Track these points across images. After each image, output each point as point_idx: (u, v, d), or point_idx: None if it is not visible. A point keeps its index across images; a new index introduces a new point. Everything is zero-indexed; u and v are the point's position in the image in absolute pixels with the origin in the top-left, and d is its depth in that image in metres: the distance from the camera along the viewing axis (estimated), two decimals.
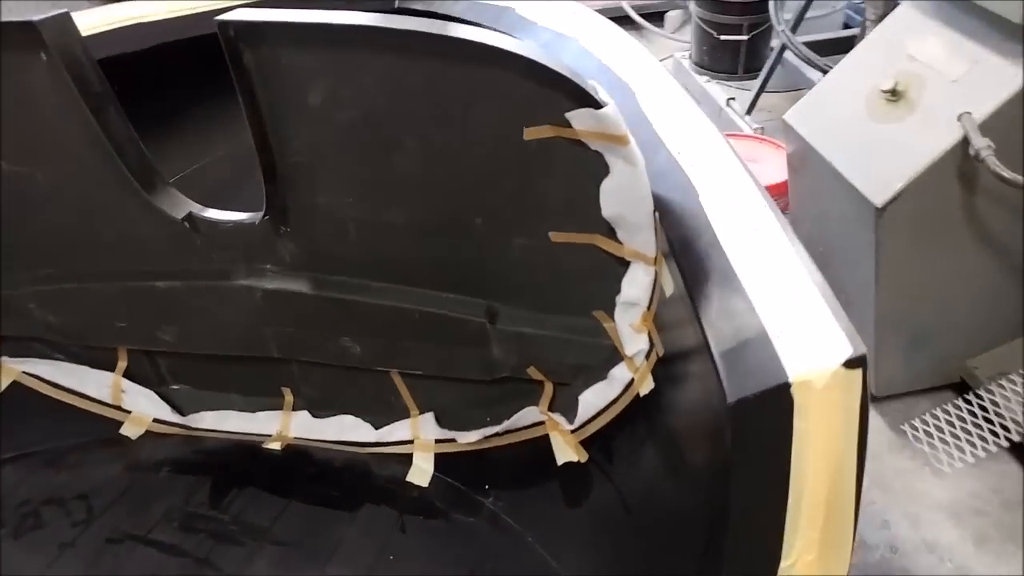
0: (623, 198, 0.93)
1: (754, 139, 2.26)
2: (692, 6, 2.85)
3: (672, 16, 3.57)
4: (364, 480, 1.29)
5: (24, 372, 1.40)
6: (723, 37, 2.72)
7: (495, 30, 1.02)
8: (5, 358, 1.39)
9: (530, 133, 0.93)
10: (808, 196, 1.69)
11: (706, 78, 2.81)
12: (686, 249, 0.84)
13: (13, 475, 1.28)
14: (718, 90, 2.70)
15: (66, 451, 1.34)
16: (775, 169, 1.95)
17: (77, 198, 1.15)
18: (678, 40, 3.32)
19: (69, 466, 1.31)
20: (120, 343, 1.36)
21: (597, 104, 0.85)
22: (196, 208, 1.16)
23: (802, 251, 0.77)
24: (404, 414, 1.36)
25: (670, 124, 1.02)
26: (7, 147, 1.09)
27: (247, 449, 1.35)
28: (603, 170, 0.92)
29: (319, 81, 0.95)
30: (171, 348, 1.33)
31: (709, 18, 2.74)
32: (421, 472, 1.29)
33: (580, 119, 0.87)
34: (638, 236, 0.97)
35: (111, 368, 1.40)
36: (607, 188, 0.93)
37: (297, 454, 1.34)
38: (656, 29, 3.37)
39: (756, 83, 2.57)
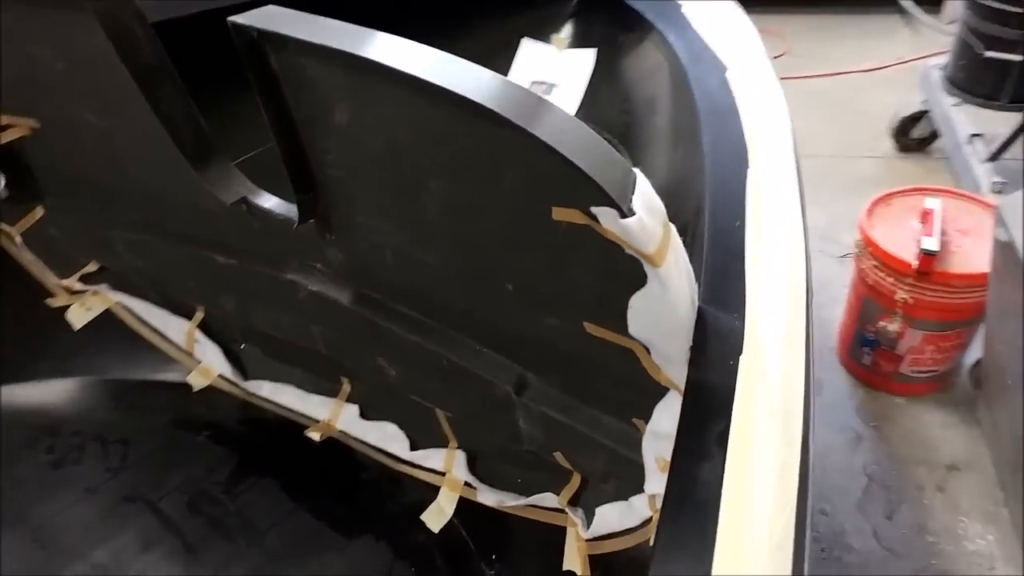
0: (652, 321, 0.73)
1: (975, 202, 1.72)
2: (960, 6, 2.33)
3: (952, 5, 2.99)
4: (379, 506, 1.22)
5: (118, 303, 1.46)
6: (989, 53, 2.19)
7: None
8: (104, 286, 1.45)
9: (558, 214, 0.74)
10: (1008, 311, 1.31)
11: (955, 100, 2.30)
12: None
13: (78, 399, 1.35)
14: (965, 119, 2.21)
15: (130, 387, 1.39)
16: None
17: (148, 160, 1.14)
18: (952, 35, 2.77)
19: (127, 405, 1.36)
20: (191, 300, 1.37)
21: (621, 211, 0.65)
22: (252, 193, 1.09)
23: None
24: (443, 443, 1.26)
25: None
26: (88, 98, 1.09)
27: (286, 438, 1.33)
28: (638, 279, 0.72)
29: (343, 100, 0.83)
30: (232, 318, 1.32)
31: (976, 26, 2.22)
32: (439, 514, 1.19)
33: (607, 218, 0.68)
34: (670, 367, 0.76)
35: (189, 317, 1.42)
36: (636, 304, 0.73)
37: (327, 457, 1.29)
38: (927, 18, 2.83)
39: (1018, 121, 2.06)
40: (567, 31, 1.75)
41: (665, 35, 1.34)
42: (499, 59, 1.75)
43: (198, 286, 1.30)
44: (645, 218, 0.64)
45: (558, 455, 1.03)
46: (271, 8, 0.82)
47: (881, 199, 1.70)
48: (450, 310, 1.02)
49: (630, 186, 0.65)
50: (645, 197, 0.66)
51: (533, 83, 1.72)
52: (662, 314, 0.71)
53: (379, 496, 1.23)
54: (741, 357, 0.70)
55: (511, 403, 1.01)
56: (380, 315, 1.09)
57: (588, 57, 1.69)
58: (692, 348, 0.74)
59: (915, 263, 1.47)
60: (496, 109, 0.66)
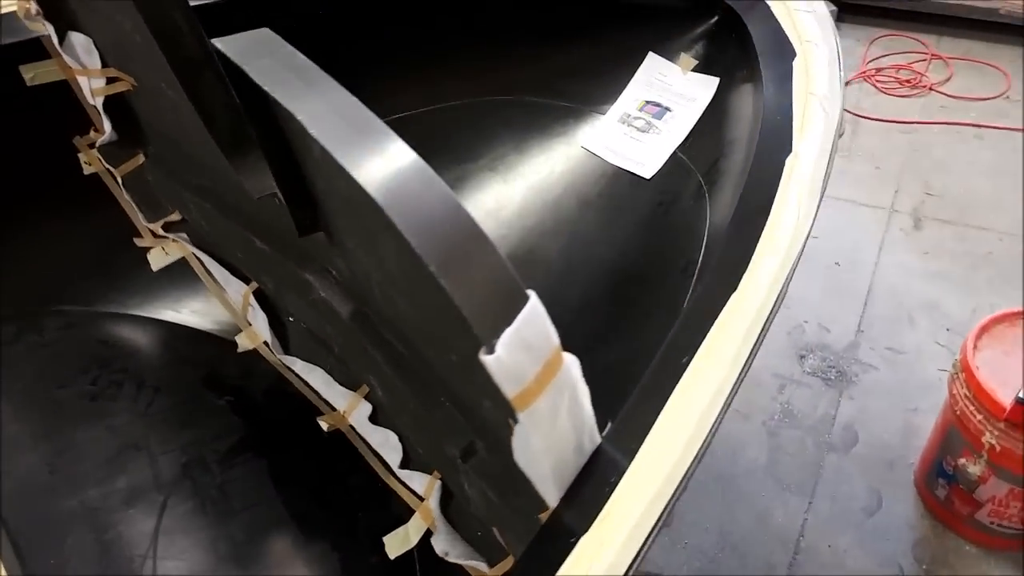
0: (526, 458, 0.65)
1: None
2: None
3: None
4: (351, 516, 1.23)
5: (193, 253, 1.54)
6: None
7: None
8: (184, 236, 1.54)
9: None
10: None
11: None
12: None
13: (134, 336, 1.46)
14: None
15: (182, 335, 1.47)
16: None
17: (202, 137, 1.17)
18: None
19: (172, 352, 1.45)
20: (242, 270, 1.42)
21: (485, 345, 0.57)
22: None
23: None
24: (429, 469, 1.24)
25: None
26: (158, 71, 1.13)
27: (299, 422, 1.36)
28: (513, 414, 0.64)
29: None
30: (272, 296, 1.36)
31: None
32: (402, 540, 1.17)
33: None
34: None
35: (246, 282, 1.48)
36: (515, 442, 0.65)
37: (326, 452, 1.31)
38: None
39: None
40: (697, 52, 1.60)
41: (764, 86, 1.20)
42: (620, 70, 1.65)
43: (244, 261, 1.34)
44: (509, 356, 0.57)
45: (495, 531, 0.97)
46: (260, 35, 0.79)
47: (1005, 316, 1.43)
48: (421, 355, 0.99)
49: (505, 317, 0.57)
50: (525, 332, 0.58)
51: (647, 103, 1.61)
52: (532, 457, 0.63)
53: (357, 506, 1.23)
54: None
55: (457, 466, 0.96)
56: (369, 338, 1.07)
57: (710, 85, 1.55)
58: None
59: (1007, 407, 1.22)
60: (382, 205, 0.60)
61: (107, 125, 1.37)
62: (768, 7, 1.41)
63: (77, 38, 1.27)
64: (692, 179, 1.48)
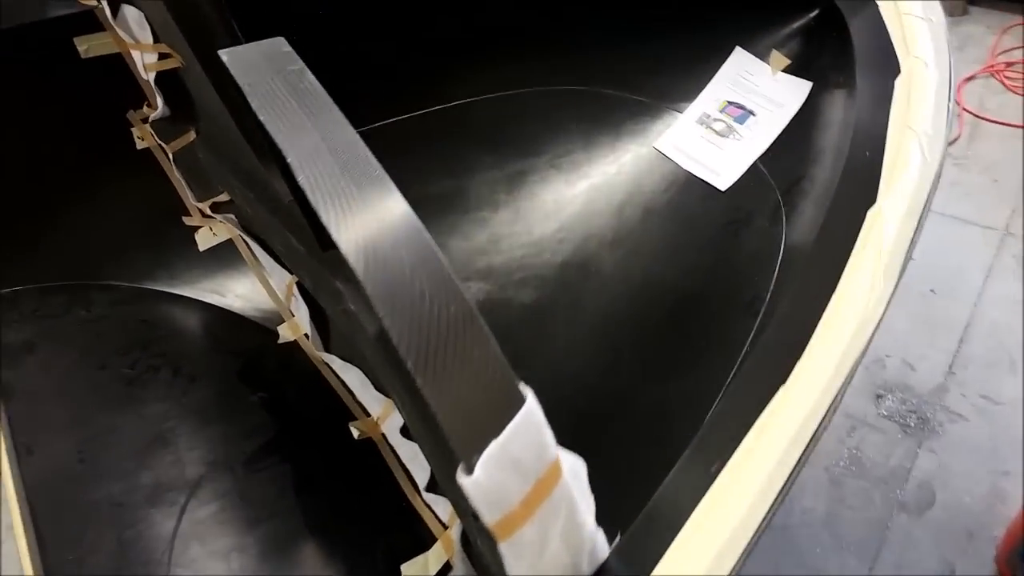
0: None
1: None
2: None
3: None
4: (370, 539, 1.18)
5: (239, 236, 1.51)
6: None
7: None
8: (232, 217, 1.51)
9: None
10: None
11: None
12: None
13: (176, 317, 1.44)
14: None
15: (223, 319, 1.45)
16: None
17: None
18: None
19: (210, 334, 1.42)
20: (284, 261, 1.38)
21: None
22: None
23: None
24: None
25: None
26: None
27: (330, 425, 1.31)
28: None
29: None
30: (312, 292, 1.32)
31: None
32: (420, 567, 1.12)
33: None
34: None
35: (290, 272, 1.44)
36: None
37: (353, 464, 1.26)
38: None
39: None
40: (790, 50, 1.45)
41: (857, 108, 1.04)
42: (703, 65, 1.51)
43: (285, 255, 1.30)
44: (490, 478, 0.48)
45: None
46: (270, 48, 0.72)
47: None
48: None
49: (493, 427, 0.49)
50: (514, 447, 0.49)
51: (729, 104, 1.47)
52: None
53: (379, 525, 1.19)
54: None
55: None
56: (391, 362, 1.01)
57: (801, 90, 1.40)
58: None
59: None
60: (360, 279, 0.52)
61: (159, 100, 1.34)
62: (877, 7, 1.24)
63: (130, 11, 1.23)
64: (770, 197, 1.33)
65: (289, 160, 0.60)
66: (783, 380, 0.70)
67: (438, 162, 1.59)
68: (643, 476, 0.74)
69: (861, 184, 0.90)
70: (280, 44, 0.74)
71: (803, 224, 1.24)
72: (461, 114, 1.57)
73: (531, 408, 0.51)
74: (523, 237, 1.53)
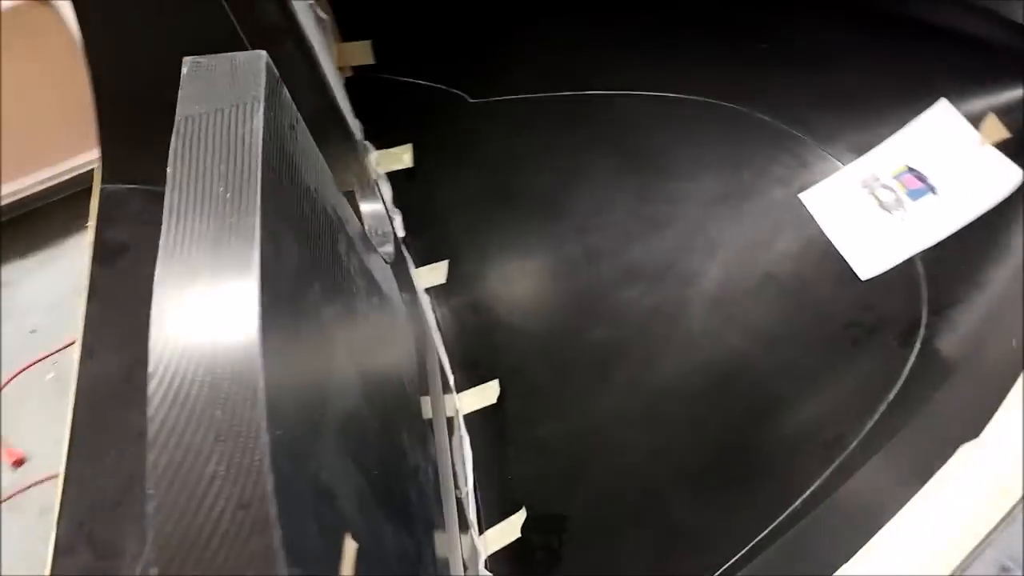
0: None
1: None
2: None
3: None
4: None
5: None
6: None
7: None
8: None
9: None
10: None
11: None
12: None
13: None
14: None
15: None
16: None
17: None
18: None
19: None
20: None
21: None
22: None
23: None
24: None
25: None
26: None
27: None
28: None
29: None
30: None
31: None
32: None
33: None
34: None
35: None
36: None
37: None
38: None
39: None
40: (1013, 121, 1.10)
41: None
42: (890, 109, 1.19)
43: None
44: None
45: None
46: (235, 65, 0.58)
47: None
48: None
49: None
50: None
51: (908, 171, 1.15)
52: None
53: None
54: None
55: None
56: None
57: (1009, 178, 1.06)
58: None
59: None
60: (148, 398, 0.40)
61: None
62: None
63: None
64: (913, 310, 1.03)
65: (163, 216, 0.48)
66: None
67: (552, 153, 1.41)
68: None
69: None
70: (254, 62, 0.61)
71: (939, 365, 0.95)
72: (591, 106, 1.36)
73: None
74: (620, 261, 1.33)
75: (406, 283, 1.17)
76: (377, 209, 0.96)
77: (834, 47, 1.20)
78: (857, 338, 1.07)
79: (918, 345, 0.99)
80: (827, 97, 1.22)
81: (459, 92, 1.41)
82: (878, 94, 1.19)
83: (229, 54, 0.60)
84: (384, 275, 0.82)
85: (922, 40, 1.12)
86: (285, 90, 0.64)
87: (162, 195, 0.49)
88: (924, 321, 1.01)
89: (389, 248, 0.93)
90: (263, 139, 0.52)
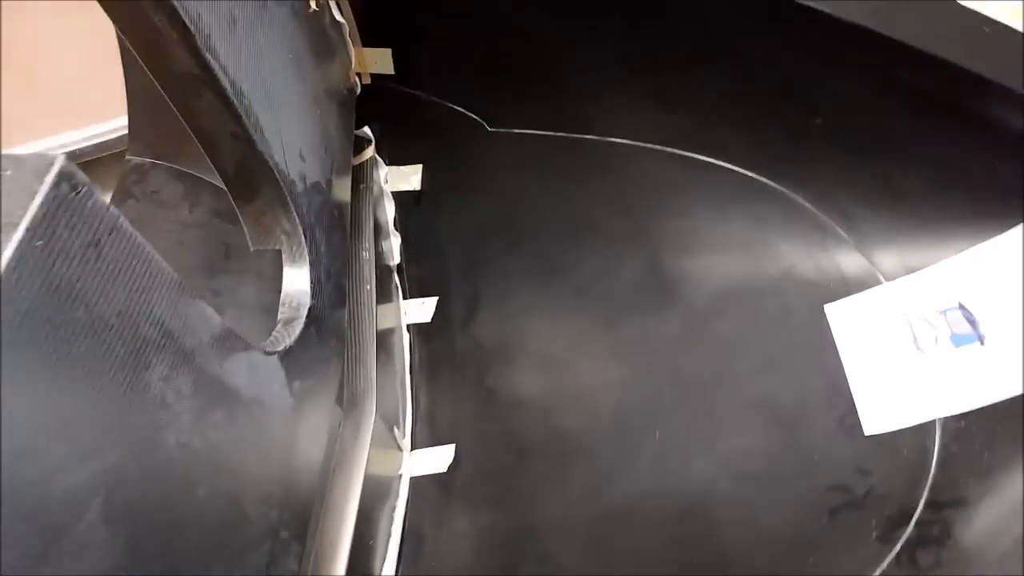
0: None
1: None
2: None
3: None
4: None
5: None
6: None
7: None
8: None
9: None
10: None
11: None
12: None
13: None
14: None
15: None
16: None
17: None
18: None
19: None
20: None
21: None
22: None
23: None
24: None
25: None
26: None
27: None
28: None
29: None
30: None
31: None
32: None
33: None
34: None
35: None
36: None
37: None
38: None
39: None
40: None
41: None
42: (951, 225, 0.96)
43: None
44: None
45: None
46: (37, 170, 0.49)
47: None
48: None
49: None
50: None
51: (960, 309, 0.93)
52: None
53: None
54: None
55: None
56: None
57: None
58: None
59: None
60: None
61: None
62: None
63: None
64: (910, 494, 0.82)
65: None
66: None
67: (565, 199, 1.25)
68: None
69: None
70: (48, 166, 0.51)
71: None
72: (613, 155, 1.19)
73: None
74: (612, 338, 1.17)
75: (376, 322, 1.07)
76: (300, 276, 0.84)
77: (902, 136, 0.96)
78: (836, 508, 0.87)
79: (898, 547, 0.78)
80: (882, 193, 0.99)
81: (478, 118, 1.28)
82: (945, 202, 0.94)
83: (20, 155, 0.50)
84: (255, 376, 0.70)
85: (1011, 150, 0.87)
86: (93, 199, 0.51)
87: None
88: (916, 515, 0.80)
89: (295, 329, 0.81)
90: (13, 276, 0.42)
